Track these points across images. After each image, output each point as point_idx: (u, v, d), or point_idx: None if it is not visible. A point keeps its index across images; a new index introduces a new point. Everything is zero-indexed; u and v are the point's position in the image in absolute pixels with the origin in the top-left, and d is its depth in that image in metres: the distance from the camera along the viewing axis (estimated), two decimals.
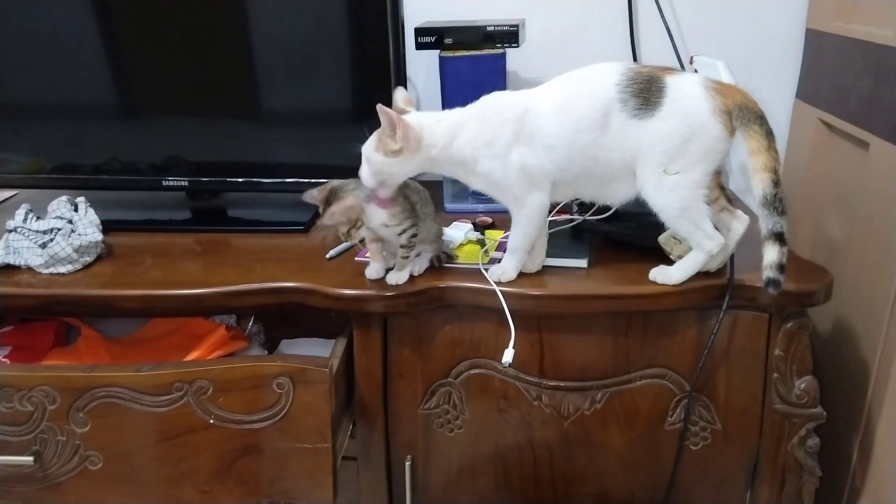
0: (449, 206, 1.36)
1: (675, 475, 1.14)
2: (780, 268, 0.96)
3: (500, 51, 1.29)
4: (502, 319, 1.05)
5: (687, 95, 0.97)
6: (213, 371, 0.99)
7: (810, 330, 1.07)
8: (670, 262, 1.07)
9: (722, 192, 1.05)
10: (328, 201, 1.04)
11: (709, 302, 1.05)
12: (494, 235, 1.22)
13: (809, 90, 1.41)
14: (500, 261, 1.09)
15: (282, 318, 1.29)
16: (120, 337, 1.26)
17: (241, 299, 1.10)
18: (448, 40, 1.29)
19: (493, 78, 1.28)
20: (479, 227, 1.25)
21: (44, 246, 1.15)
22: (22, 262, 1.15)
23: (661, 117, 0.96)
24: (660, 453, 1.14)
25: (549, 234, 1.13)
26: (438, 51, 1.31)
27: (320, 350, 1.25)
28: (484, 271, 1.08)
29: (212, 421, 0.99)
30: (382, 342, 1.11)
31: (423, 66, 1.46)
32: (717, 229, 1.02)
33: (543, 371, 1.11)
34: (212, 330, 1.20)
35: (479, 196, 1.34)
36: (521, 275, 1.08)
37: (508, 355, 1.02)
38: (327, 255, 1.18)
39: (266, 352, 1.26)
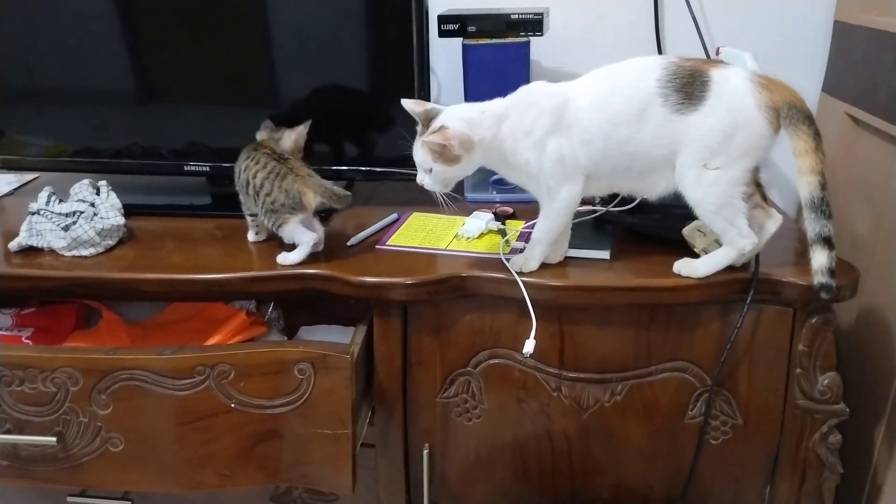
0: (469, 195, 1.35)
1: (694, 469, 1.13)
2: (831, 272, 0.95)
3: (524, 39, 1.28)
4: (523, 310, 1.05)
5: (733, 90, 0.95)
6: (234, 355, 0.99)
7: (835, 325, 1.06)
8: (694, 255, 1.06)
9: (758, 189, 1.03)
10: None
11: (733, 296, 1.04)
12: (515, 225, 1.21)
13: (837, 84, 1.39)
14: (521, 251, 1.09)
15: (301, 304, 1.29)
16: (140, 321, 1.27)
17: (262, 285, 1.10)
18: (471, 28, 1.28)
19: (517, 67, 1.27)
20: (500, 217, 1.24)
21: (66, 229, 1.16)
22: (44, 245, 1.16)
23: (704, 112, 0.95)
24: (679, 447, 1.14)
25: (572, 224, 1.12)
26: (461, 38, 1.30)
27: (339, 337, 1.25)
28: (505, 261, 1.08)
29: (233, 405, 1.00)
30: (402, 330, 1.11)
31: (444, 54, 1.45)
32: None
33: (563, 362, 1.10)
34: (232, 315, 1.20)
35: (499, 186, 1.34)
36: (543, 265, 1.07)
37: (529, 346, 1.02)
38: (348, 243, 1.18)
39: (285, 338, 1.26)
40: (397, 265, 1.10)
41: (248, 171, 1.11)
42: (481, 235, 1.18)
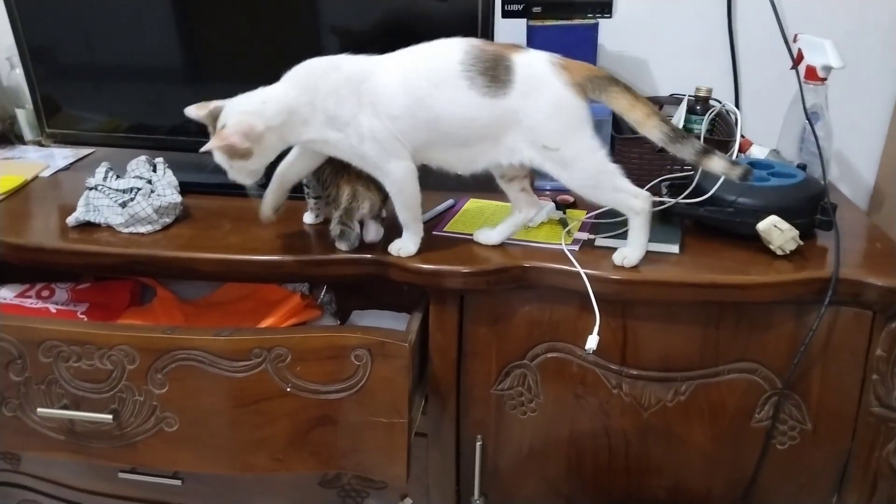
0: None
1: (758, 474, 1.09)
2: (734, 162, 0.96)
3: (592, 21, 1.23)
4: (584, 303, 1.02)
5: (538, 73, 0.97)
6: (292, 339, 0.98)
7: None
8: (769, 252, 1.01)
9: (529, 174, 1.07)
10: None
11: (810, 296, 0.99)
12: (577, 215, 1.17)
13: None
14: (588, 242, 1.05)
15: (353, 288, 1.27)
16: (194, 299, 1.26)
17: (319, 269, 1.08)
18: (537, 8, 1.24)
19: (583, 50, 1.23)
20: (561, 206, 1.20)
21: (124, 205, 1.15)
22: (102, 220, 1.15)
23: (516, 95, 0.96)
24: (743, 450, 1.09)
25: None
26: (526, 19, 1.25)
27: (391, 323, 1.23)
28: (568, 253, 1.04)
29: (289, 389, 0.98)
30: (458, 319, 1.08)
31: (504, 35, 1.41)
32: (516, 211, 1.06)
33: (625, 359, 1.07)
34: (286, 297, 1.19)
35: None
36: (607, 258, 1.03)
37: (592, 342, 0.98)
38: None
39: (338, 322, 1.25)
40: (455, 252, 1.07)
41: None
42: (541, 224, 1.15)
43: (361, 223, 1.08)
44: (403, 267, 1.05)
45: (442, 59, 0.98)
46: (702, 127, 1.24)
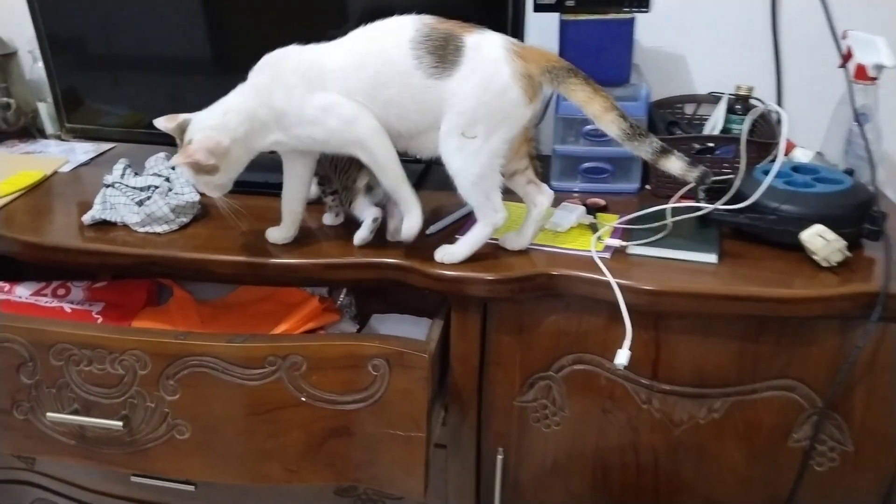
0: (556, 184, 1.25)
1: (794, 496, 1.03)
2: (692, 163, 0.93)
3: (629, 15, 1.17)
4: (614, 313, 0.97)
5: (487, 57, 0.93)
6: (308, 347, 0.94)
7: None
8: (813, 263, 0.95)
9: (531, 163, 1.03)
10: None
11: (856, 311, 0.93)
12: (608, 220, 1.12)
13: None
14: (620, 249, 1.00)
15: (373, 291, 1.23)
16: (211, 300, 1.23)
17: (337, 272, 1.04)
18: (570, 2, 1.18)
19: (619, 46, 1.17)
20: (592, 210, 1.15)
21: (140, 203, 1.12)
22: (118, 219, 1.13)
23: (459, 78, 0.92)
24: (779, 471, 1.04)
25: (673, 222, 1.03)
26: (559, 13, 1.20)
27: (412, 328, 1.19)
28: (598, 260, 0.99)
29: (303, 398, 0.95)
30: (481, 327, 1.04)
31: (536, 30, 1.35)
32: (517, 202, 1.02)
33: (657, 373, 1.01)
34: (304, 300, 1.15)
35: (591, 174, 1.24)
36: (640, 266, 0.98)
37: (623, 357, 0.93)
38: (427, 231, 1.11)
39: (357, 326, 1.21)
40: (478, 258, 1.02)
41: None
42: (570, 229, 1.10)
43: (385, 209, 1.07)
44: (425, 273, 1.00)
45: (393, 37, 0.94)
46: (743, 127, 1.17)
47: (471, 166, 0.95)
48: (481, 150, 0.94)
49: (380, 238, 1.08)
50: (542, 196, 1.03)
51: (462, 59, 0.92)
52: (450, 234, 1.09)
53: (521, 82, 0.92)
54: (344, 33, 1.22)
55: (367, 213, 1.06)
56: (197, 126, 0.97)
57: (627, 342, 0.94)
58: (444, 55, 0.92)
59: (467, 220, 1.13)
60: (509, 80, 0.92)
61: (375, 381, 0.94)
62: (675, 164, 0.93)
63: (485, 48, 0.93)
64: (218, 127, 0.96)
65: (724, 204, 1.04)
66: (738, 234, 1.05)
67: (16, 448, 1.06)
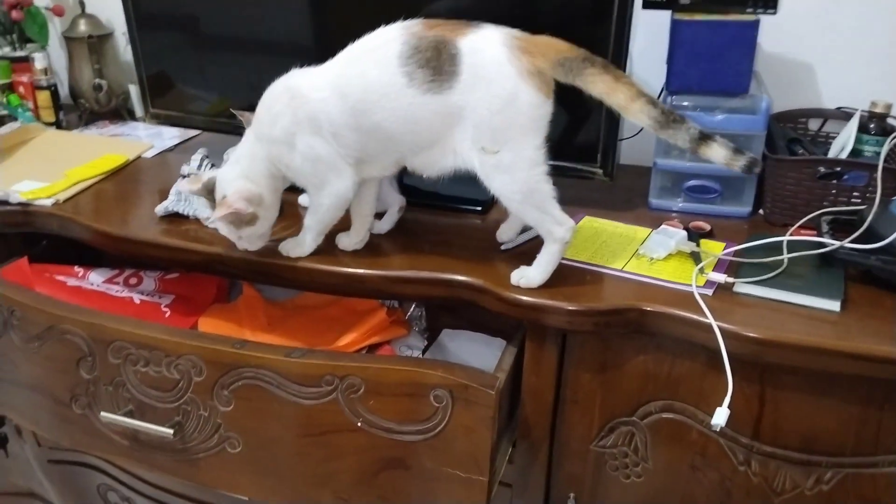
0: (655, 202, 1.13)
1: None
2: (737, 150, 0.85)
3: (753, 17, 1.03)
4: (711, 359, 0.85)
5: (487, 61, 0.84)
6: (367, 369, 0.87)
7: None
8: None
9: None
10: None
11: None
12: (713, 249, 0.99)
13: None
14: (724, 286, 0.88)
15: (446, 305, 1.15)
16: (280, 300, 1.19)
17: (405, 287, 0.97)
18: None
19: (739, 51, 1.03)
20: (694, 235, 1.02)
21: None
22: (191, 213, 1.10)
23: (460, 89, 0.84)
24: None
25: (790, 258, 0.90)
26: (671, 12, 1.07)
27: (485, 349, 1.11)
28: (699, 298, 0.87)
29: (360, 424, 0.88)
30: (558, 360, 0.94)
31: (642, 29, 1.22)
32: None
33: (759, 432, 0.89)
34: (372, 309, 1.09)
35: (696, 193, 1.11)
36: (747, 308, 0.86)
37: (721, 416, 0.81)
38: (502, 246, 1.02)
39: (426, 341, 1.14)
40: (559, 283, 0.92)
41: None
42: (668, 257, 0.98)
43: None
44: (499, 296, 0.92)
45: (377, 56, 0.88)
46: (882, 150, 1.02)
47: (511, 184, 0.88)
48: (516, 165, 0.87)
49: (454, 251, 0.99)
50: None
51: (459, 68, 0.84)
52: (528, 252, 0.98)
53: (532, 80, 0.84)
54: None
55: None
56: (224, 180, 0.96)
57: (727, 400, 0.82)
58: (437, 66, 0.84)
59: None
60: (517, 81, 0.84)
61: (437, 412, 0.86)
62: (717, 153, 0.84)
63: (483, 51, 0.85)
64: (249, 176, 0.95)
65: (853, 242, 0.90)
66: (866, 279, 0.91)
67: (72, 442, 1.05)
